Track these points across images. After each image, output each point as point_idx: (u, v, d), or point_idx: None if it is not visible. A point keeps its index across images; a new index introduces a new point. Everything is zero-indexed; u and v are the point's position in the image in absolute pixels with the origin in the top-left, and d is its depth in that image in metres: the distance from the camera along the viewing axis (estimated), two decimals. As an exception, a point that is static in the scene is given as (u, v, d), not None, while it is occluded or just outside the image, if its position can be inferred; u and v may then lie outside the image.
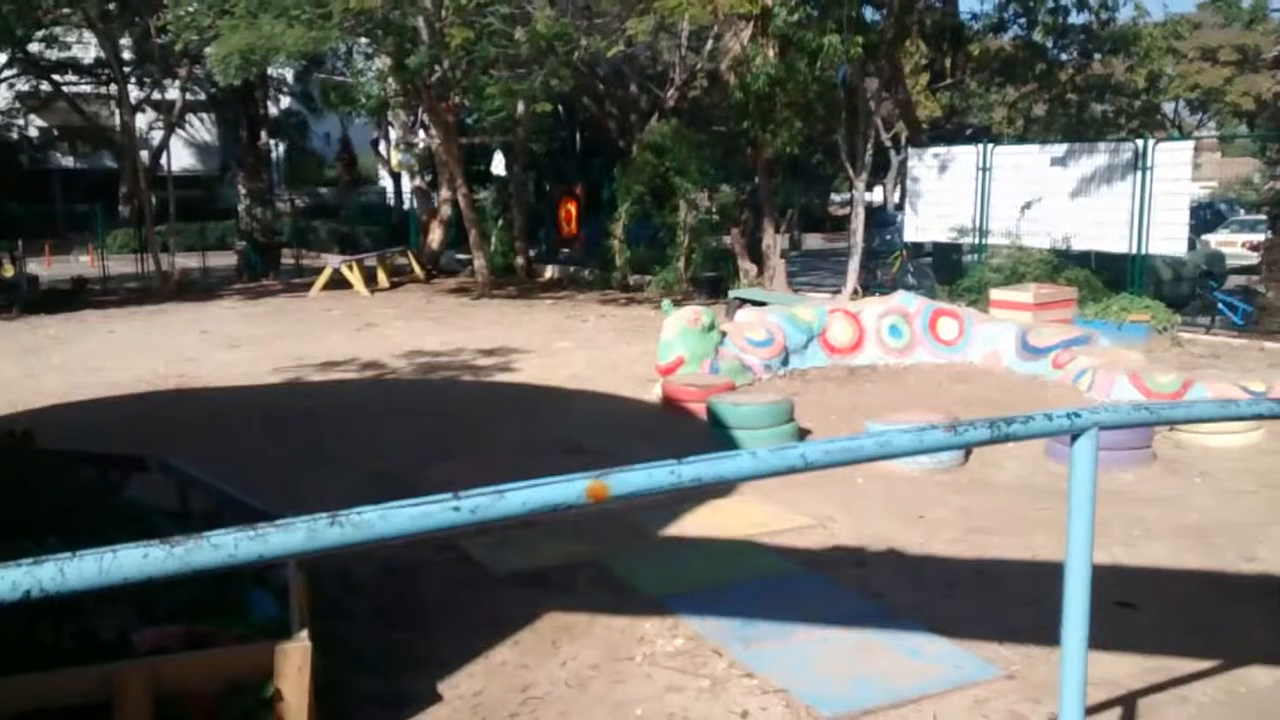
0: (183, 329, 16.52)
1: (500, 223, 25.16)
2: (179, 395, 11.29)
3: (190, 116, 34.98)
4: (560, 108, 21.55)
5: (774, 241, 18.94)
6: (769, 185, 19.27)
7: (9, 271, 20.28)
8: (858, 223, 18.06)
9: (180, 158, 35.06)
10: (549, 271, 23.99)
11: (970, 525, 6.46)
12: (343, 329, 16.21)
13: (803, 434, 8.71)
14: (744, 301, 14.99)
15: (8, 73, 31.80)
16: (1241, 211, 26.40)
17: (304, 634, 3.56)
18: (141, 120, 29.78)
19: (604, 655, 4.70)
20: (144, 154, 27.20)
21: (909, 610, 5.12)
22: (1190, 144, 16.25)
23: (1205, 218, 26.01)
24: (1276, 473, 7.63)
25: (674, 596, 5.34)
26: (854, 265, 17.78)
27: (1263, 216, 16.67)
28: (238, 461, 7.70)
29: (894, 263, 19.00)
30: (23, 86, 34.27)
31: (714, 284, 18.79)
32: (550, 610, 5.14)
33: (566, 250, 25.09)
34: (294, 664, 3.46)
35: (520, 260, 24.11)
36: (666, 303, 12.63)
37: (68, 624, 3.54)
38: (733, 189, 20.03)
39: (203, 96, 29.45)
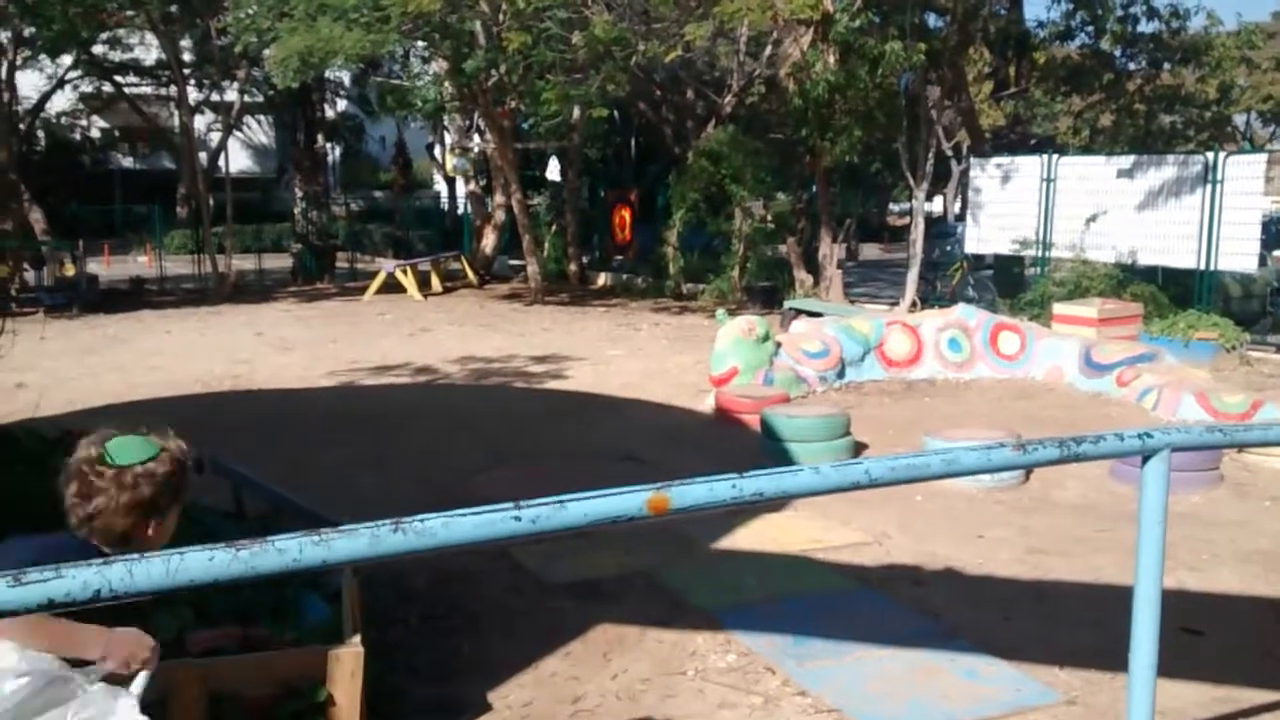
0: (238, 330, 16.71)
1: (554, 229, 25.21)
2: (234, 396, 11.41)
3: (248, 119, 35.48)
4: (616, 113, 21.55)
5: (831, 251, 18.79)
6: (827, 194, 19.14)
7: (70, 271, 20.63)
8: (917, 233, 17.88)
9: (237, 160, 35.57)
10: (602, 278, 23.99)
11: (1030, 545, 6.33)
12: (396, 333, 16.31)
13: (859, 448, 8.60)
14: (799, 312, 14.90)
15: (72, 74, 32.44)
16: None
17: (357, 639, 3.54)
18: (200, 122, 30.25)
19: (655, 669, 4.64)
20: (202, 155, 27.61)
21: (966, 631, 5.01)
22: (1263, 157, 15.91)
23: (1276, 233, 25.45)
24: (1350, 497, 7.41)
25: (727, 611, 5.27)
26: (913, 276, 17.60)
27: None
28: (292, 463, 7.75)
29: (954, 275, 18.77)
30: (86, 88, 34.94)
31: (769, 294, 18.68)
32: (602, 622, 5.09)
33: (620, 258, 25.07)
34: (346, 669, 3.44)
35: (573, 267, 24.14)
36: (721, 312, 12.57)
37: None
38: (789, 197, 19.93)
39: (260, 99, 29.84)
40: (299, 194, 25.99)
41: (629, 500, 2.09)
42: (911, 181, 17.75)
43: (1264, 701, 4.27)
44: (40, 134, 36.57)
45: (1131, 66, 21.60)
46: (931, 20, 18.08)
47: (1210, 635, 4.92)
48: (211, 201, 24.81)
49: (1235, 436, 3.58)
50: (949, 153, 18.27)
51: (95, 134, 37.92)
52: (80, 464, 2.70)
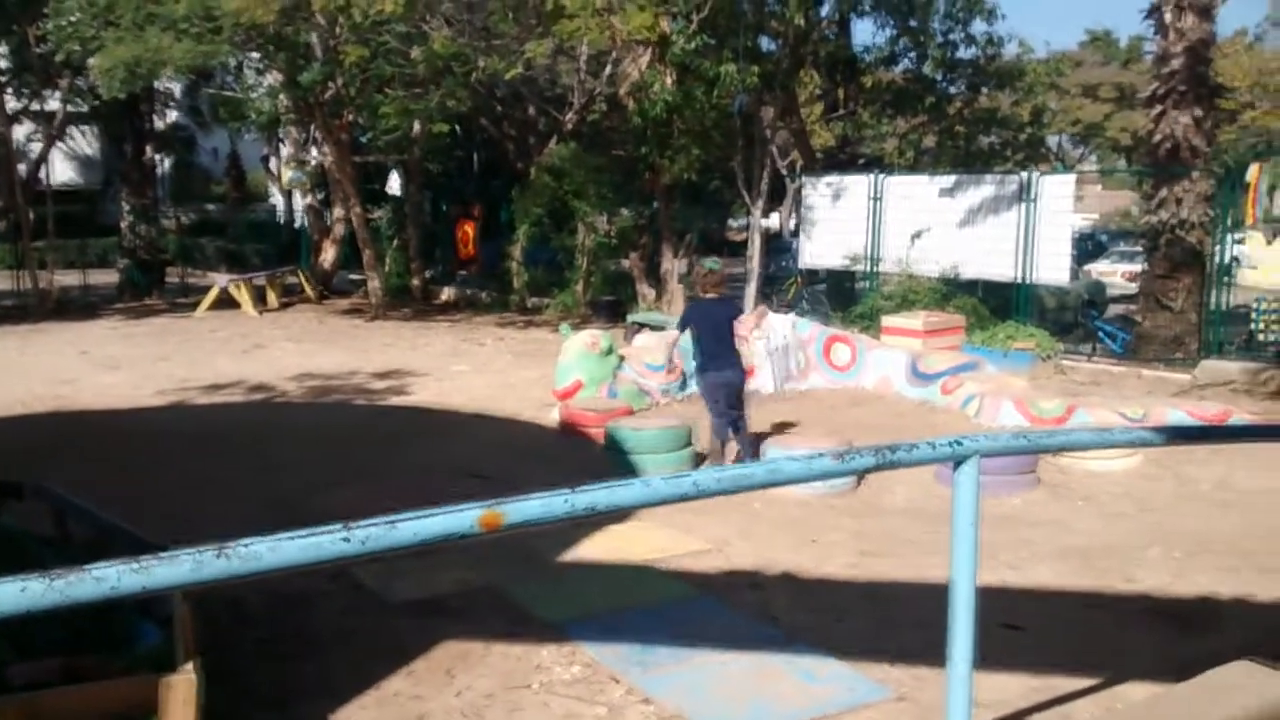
0: (61, 349, 15.93)
1: (395, 243, 24.84)
2: (57, 418, 10.89)
3: (72, 128, 33.77)
4: (458, 128, 21.36)
5: (672, 266, 19.08)
6: (667, 210, 19.43)
7: None
8: (755, 249, 18.30)
9: (61, 171, 33.83)
10: (445, 293, 23.75)
11: (863, 549, 6.57)
12: (230, 350, 15.82)
13: (699, 458, 8.77)
14: (642, 326, 15.06)
15: None
16: (1121, 243, 27.47)
17: (190, 666, 3.46)
18: (19, 131, 28.65)
19: (500, 683, 4.65)
20: (21, 167, 26.21)
21: (804, 633, 5.18)
22: (1073, 176, 16.83)
23: (1087, 248, 27.02)
24: (1153, 497, 7.93)
25: (572, 622, 5.32)
26: (751, 290, 18.00)
27: (1140, 248, 17.32)
28: (119, 488, 7.45)
29: (790, 289, 19.27)
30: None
31: (613, 308, 18.83)
32: (445, 638, 5.08)
33: (464, 272, 24.87)
34: (179, 697, 3.36)
35: (416, 281, 23.84)
36: (565, 326, 12.63)
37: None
38: (632, 213, 20.12)
39: (85, 108, 28.48)
40: (127, 207, 24.98)
41: (461, 518, 2.11)
42: (748, 198, 18.17)
43: (1078, 688, 4.54)
44: None
45: (952, 90, 22.55)
46: (765, 44, 18.53)
47: (1029, 629, 5.21)
48: (32, 215, 23.58)
49: (1040, 443, 3.82)
50: (783, 171, 18.75)
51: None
52: None
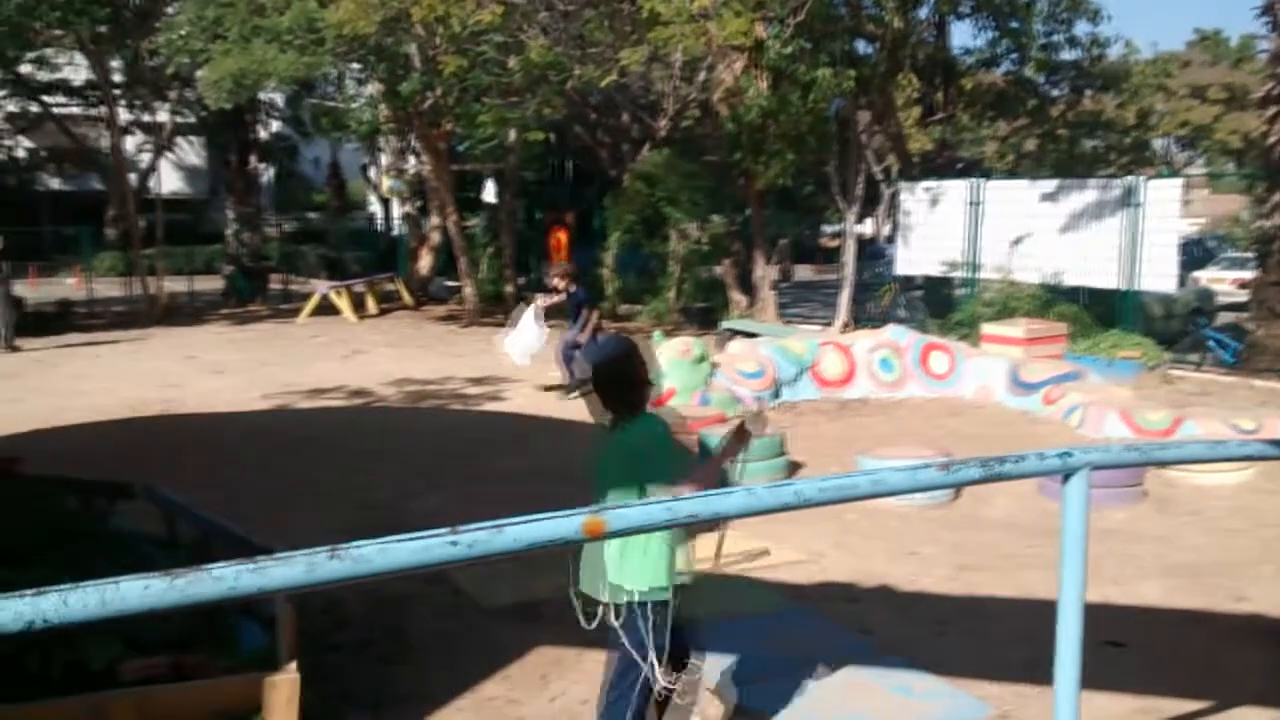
0: (169, 354, 16.44)
1: (490, 250, 25.15)
2: (165, 421, 11.22)
3: (179, 139, 34.96)
4: (552, 136, 21.59)
5: (765, 273, 18.98)
6: (760, 216, 19.34)
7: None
8: (849, 255, 18.12)
9: (169, 181, 34.97)
10: (539, 300, 23.93)
11: (961, 562, 6.44)
12: (330, 356, 16.15)
13: (794, 467, 8.69)
14: (735, 333, 15.01)
15: (-4, 94, 31.76)
16: (1231, 249, 26.57)
17: (292, 666, 3.53)
18: (130, 142, 29.74)
19: (593, 690, 4.64)
20: (132, 176, 27.13)
21: (900, 647, 5.09)
22: (1180, 181, 16.33)
23: (1195, 254, 26.19)
24: (1267, 512, 7.64)
25: (665, 631, 5.29)
26: (845, 298, 17.82)
27: (1251, 254, 16.74)
28: (224, 489, 7.65)
29: (885, 296, 19.04)
30: (12, 107, 34.19)
31: (705, 315, 18.81)
32: (540, 644, 5.10)
33: (557, 279, 25.05)
34: (282, 696, 3.43)
35: (510, 288, 24.07)
36: (657, 333, 12.64)
37: (57, 653, 3.49)
38: (724, 220, 20.08)
39: (192, 119, 29.41)
40: (231, 215, 25.67)
41: (565, 524, 2.12)
42: (843, 204, 18.00)
43: (1184, 711, 4.40)
44: (-37, 155, 35.80)
45: (1054, 93, 22.14)
46: (861, 47, 18.38)
47: (1133, 647, 5.06)
48: (142, 223, 24.39)
49: (1153, 455, 3.70)
50: (879, 176, 18.56)
51: (21, 154, 37.05)
52: None
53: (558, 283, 12.46)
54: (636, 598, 3.49)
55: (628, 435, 3.56)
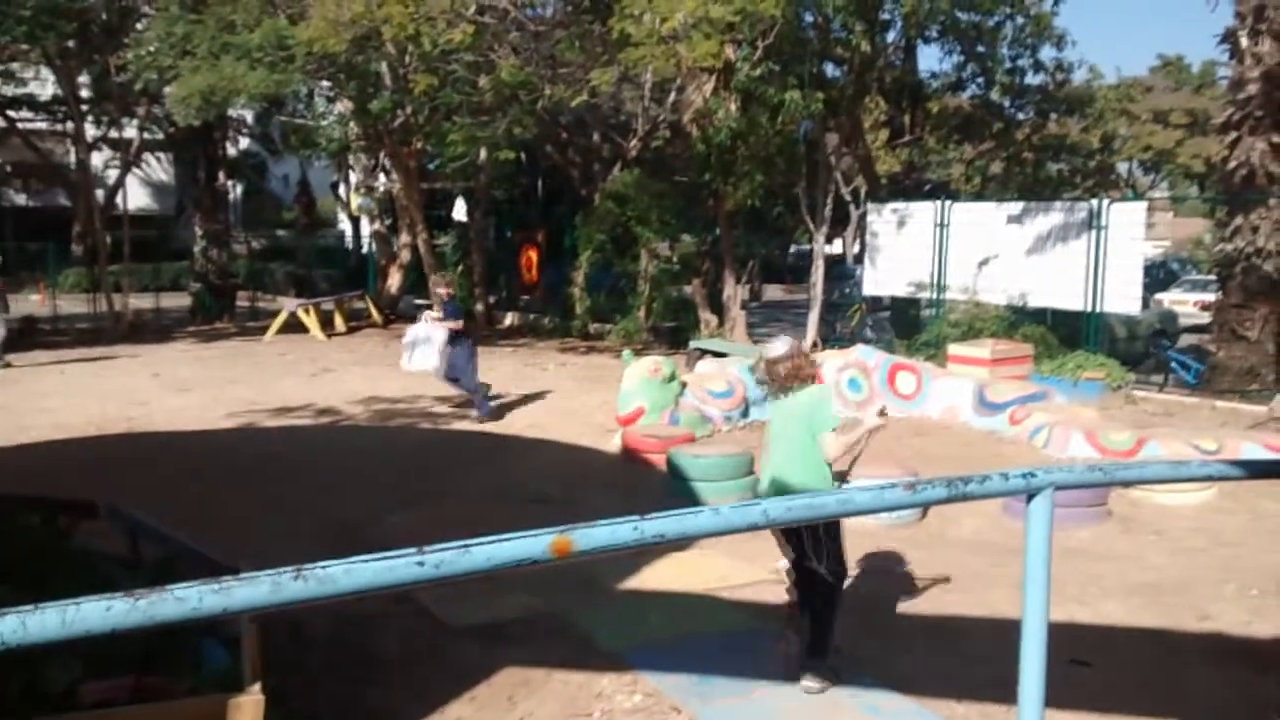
0: (134, 371, 16.28)
1: (460, 268, 25.11)
2: (130, 439, 11.12)
3: (147, 155, 34.67)
4: (523, 155, 21.59)
5: (735, 292, 19.05)
6: (730, 236, 19.42)
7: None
8: (817, 275, 18.22)
9: (136, 197, 34.63)
10: (509, 318, 23.95)
11: (928, 581, 6.47)
12: (298, 374, 16.05)
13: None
14: (705, 352, 15.04)
15: (-42, 108, 31.37)
16: (1193, 271, 26.93)
17: (257, 687, 3.49)
18: (97, 158, 29.45)
19: (561, 711, 4.64)
20: (99, 192, 26.89)
21: (868, 666, 5.11)
22: (1143, 204, 16.54)
23: (1158, 277, 26.54)
24: (1228, 531, 7.73)
25: (633, 651, 5.30)
26: (813, 318, 17.92)
27: (1213, 277, 16.98)
28: (189, 508, 7.57)
29: (853, 316, 19.15)
30: (-26, 122, 33.81)
31: (674, 334, 18.85)
32: (508, 664, 5.08)
33: (527, 297, 25.07)
34: (246, 717, 3.39)
35: (480, 306, 24.06)
36: (627, 352, 12.65)
37: (14, 675, 3.44)
38: (694, 239, 20.15)
39: (160, 136, 29.20)
40: (199, 232, 25.50)
41: (533, 544, 2.11)
42: (811, 225, 18.12)
43: (1148, 729, 4.44)
44: (-75, 169, 35.37)
45: (1020, 117, 22.41)
46: (830, 70, 18.55)
47: (1098, 666, 5.09)
48: (108, 239, 24.18)
49: (1116, 475, 3.74)
50: (847, 197, 18.69)
51: (-15, 169, 36.70)
52: None
53: (442, 291, 12.96)
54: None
55: (800, 398, 5.00)
